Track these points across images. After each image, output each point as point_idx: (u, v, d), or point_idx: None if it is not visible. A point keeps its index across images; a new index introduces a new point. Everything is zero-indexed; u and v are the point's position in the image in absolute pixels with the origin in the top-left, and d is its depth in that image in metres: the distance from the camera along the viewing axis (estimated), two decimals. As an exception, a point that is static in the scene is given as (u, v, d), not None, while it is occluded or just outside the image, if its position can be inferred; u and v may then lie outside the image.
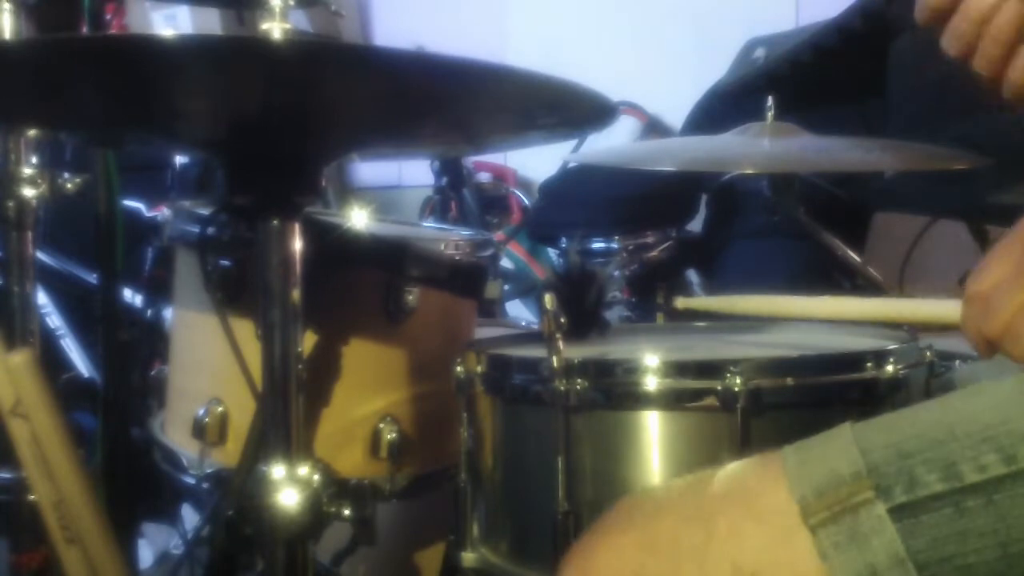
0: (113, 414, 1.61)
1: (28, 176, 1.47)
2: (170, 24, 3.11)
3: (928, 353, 1.10)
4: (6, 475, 1.40)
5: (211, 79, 0.88)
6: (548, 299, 1.05)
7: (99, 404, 1.62)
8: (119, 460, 1.58)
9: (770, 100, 1.50)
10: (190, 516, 1.90)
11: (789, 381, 1.02)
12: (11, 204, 1.46)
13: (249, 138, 0.98)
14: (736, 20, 2.99)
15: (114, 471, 1.57)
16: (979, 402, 0.73)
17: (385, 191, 3.65)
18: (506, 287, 3.08)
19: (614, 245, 2.67)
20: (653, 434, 1.03)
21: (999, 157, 1.42)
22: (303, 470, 1.01)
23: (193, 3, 2.80)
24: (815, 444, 0.75)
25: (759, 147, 1.47)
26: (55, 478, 1.19)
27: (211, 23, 2.81)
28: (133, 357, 1.72)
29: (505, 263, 3.10)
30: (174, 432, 1.34)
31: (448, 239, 1.36)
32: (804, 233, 1.65)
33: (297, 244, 1.00)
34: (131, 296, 2.14)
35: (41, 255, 1.90)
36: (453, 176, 3.23)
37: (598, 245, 2.68)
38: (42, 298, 2.38)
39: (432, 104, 0.95)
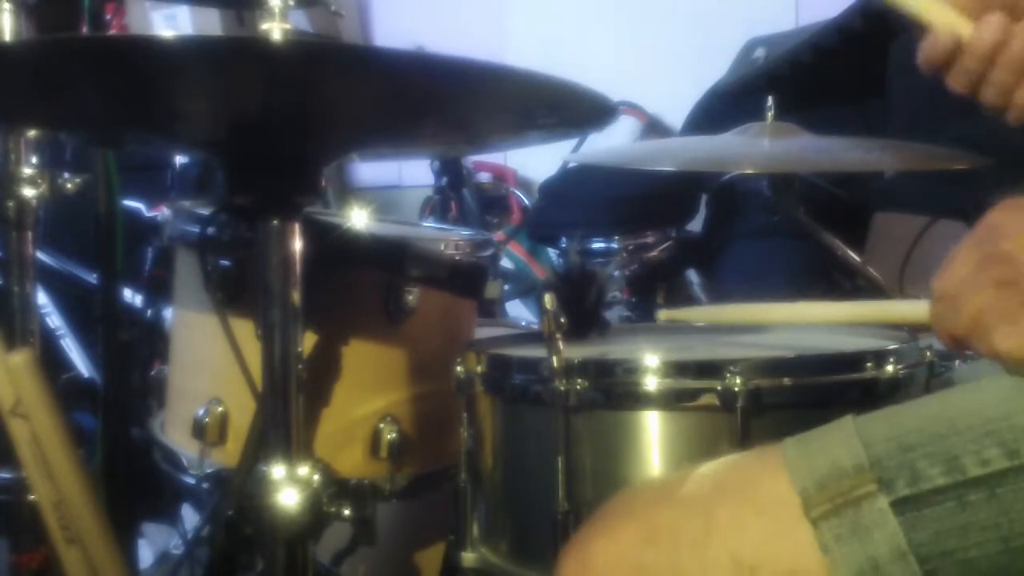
0: (113, 414, 1.61)
1: (28, 176, 1.47)
2: (170, 24, 3.11)
3: (928, 353, 1.10)
4: (6, 475, 1.40)
5: (211, 80, 0.88)
6: (548, 299, 1.05)
7: (99, 404, 1.62)
8: (119, 460, 1.58)
9: (770, 100, 1.50)
10: (190, 516, 1.90)
11: (789, 381, 1.02)
12: (11, 204, 1.46)
13: (249, 138, 0.98)
14: (736, 20, 2.99)
15: (114, 471, 1.57)
16: (981, 397, 0.73)
17: (385, 191, 3.65)
18: (506, 287, 3.07)
19: (614, 245, 2.66)
20: (653, 434, 1.03)
21: (999, 157, 1.42)
22: (303, 470, 1.01)
23: (193, 3, 2.80)
24: (816, 436, 0.75)
25: (759, 147, 1.47)
26: (55, 478, 1.19)
27: (211, 23, 2.81)
28: (133, 357, 1.72)
29: (505, 263, 3.10)
30: (174, 432, 1.34)
31: (448, 239, 1.36)
32: (804, 233, 1.65)
33: (297, 244, 1.00)
34: (131, 296, 2.14)
35: (41, 255, 1.90)
36: (453, 176, 3.22)
37: (598, 245, 2.68)
38: (42, 298, 2.38)
39: (432, 104, 0.95)
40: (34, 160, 1.48)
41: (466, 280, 1.31)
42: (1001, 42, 0.87)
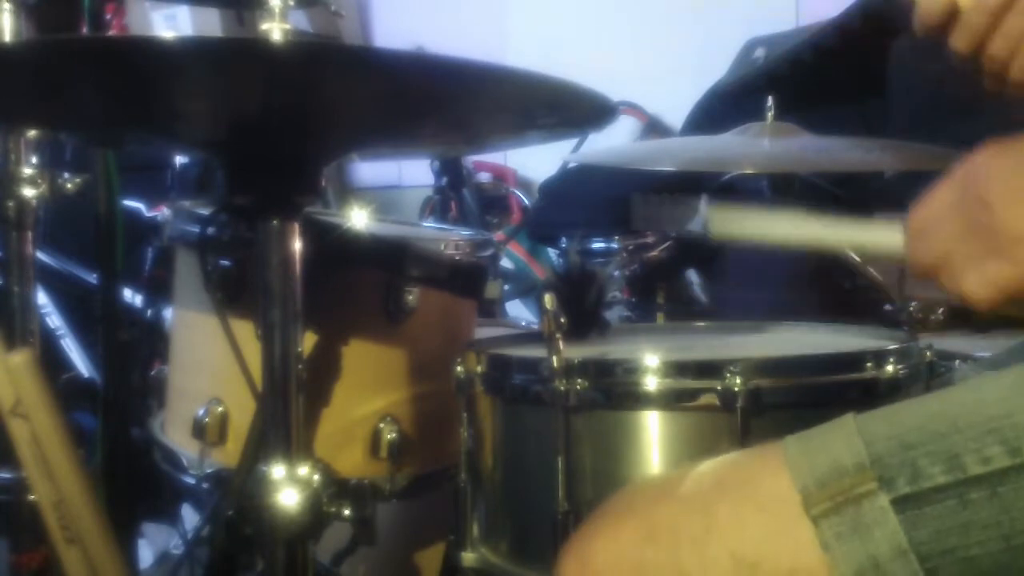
0: (113, 414, 1.61)
1: (28, 176, 1.47)
2: (170, 24, 3.10)
3: (928, 353, 1.10)
4: (6, 475, 1.40)
5: (211, 80, 0.88)
6: (548, 299, 1.05)
7: (99, 404, 1.62)
8: (119, 460, 1.58)
9: (770, 100, 1.50)
10: (190, 516, 1.90)
11: (789, 381, 1.02)
12: (11, 204, 1.46)
13: (249, 138, 0.98)
14: (736, 20, 2.99)
15: (114, 471, 1.58)
16: (983, 395, 0.73)
17: (385, 191, 3.65)
18: (506, 287, 3.07)
19: (614, 245, 2.66)
20: (653, 434, 1.03)
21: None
22: (303, 470, 1.01)
23: (193, 3, 2.80)
24: (817, 434, 0.75)
25: (759, 147, 1.47)
26: (55, 478, 1.19)
27: (211, 23, 2.80)
28: (133, 357, 1.72)
29: (505, 263, 3.10)
30: (174, 432, 1.34)
31: (448, 239, 1.36)
32: (804, 233, 1.65)
33: (297, 244, 1.00)
34: (131, 296, 2.14)
35: (41, 255, 1.90)
36: (453, 176, 3.23)
37: (598, 245, 2.68)
38: (42, 298, 2.38)
39: (432, 104, 0.95)
40: (34, 160, 1.48)
41: (466, 280, 1.31)
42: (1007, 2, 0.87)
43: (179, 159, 2.55)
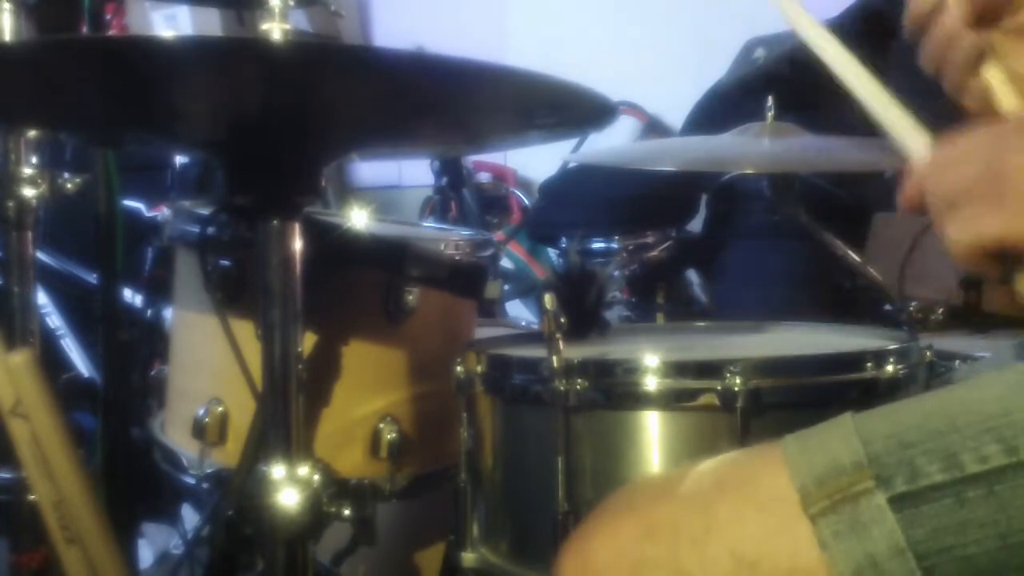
0: (113, 414, 1.61)
1: (28, 176, 1.47)
2: (170, 24, 3.11)
3: (928, 353, 1.10)
4: (6, 475, 1.41)
5: (211, 80, 0.88)
6: (548, 299, 1.05)
7: (99, 404, 1.62)
8: (119, 460, 1.58)
9: (770, 100, 1.50)
10: (190, 516, 1.90)
11: (789, 381, 1.02)
12: (11, 204, 1.46)
13: (249, 138, 0.98)
14: (736, 20, 2.99)
15: (114, 471, 1.58)
16: (981, 393, 0.73)
17: (385, 191, 3.65)
18: (506, 287, 3.07)
19: (614, 245, 2.66)
20: (653, 434, 1.03)
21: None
22: (303, 470, 1.01)
23: (193, 3, 2.80)
24: (816, 433, 0.75)
25: (759, 147, 1.47)
26: (55, 478, 1.19)
27: (211, 23, 2.80)
28: (133, 357, 1.72)
29: (505, 263, 3.10)
30: (174, 432, 1.34)
31: (448, 239, 1.36)
32: (804, 233, 1.65)
33: (297, 244, 1.00)
34: (131, 296, 2.14)
35: (41, 255, 1.90)
36: (453, 176, 3.22)
37: (598, 245, 2.68)
38: (42, 298, 2.38)
39: (432, 104, 0.95)
40: (34, 160, 1.48)
41: (466, 280, 1.31)
42: (950, 36, 0.88)
43: (179, 159, 2.55)
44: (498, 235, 3.04)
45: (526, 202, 3.43)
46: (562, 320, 1.04)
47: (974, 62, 0.88)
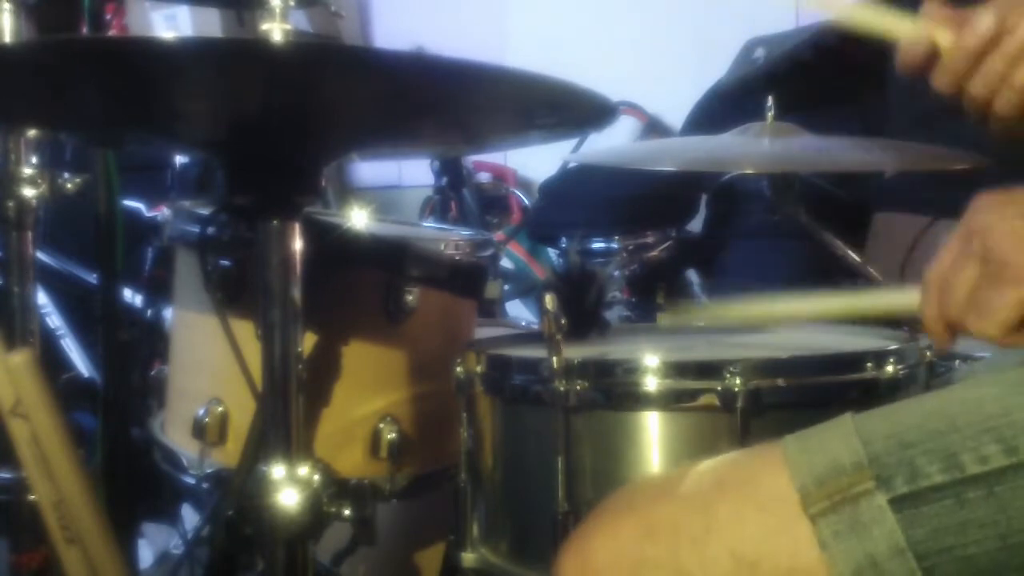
0: (113, 414, 1.61)
1: (28, 176, 1.47)
2: (170, 25, 3.10)
3: (928, 353, 1.10)
4: (6, 475, 1.41)
5: (211, 80, 0.88)
6: (548, 299, 1.05)
7: (99, 404, 1.62)
8: (119, 460, 1.58)
9: (770, 100, 1.50)
10: (190, 516, 1.90)
11: (789, 381, 1.02)
12: (11, 204, 1.46)
13: (249, 139, 0.98)
14: (736, 20, 2.99)
15: (114, 471, 1.58)
16: (981, 394, 0.74)
17: (385, 191, 3.65)
18: (506, 287, 3.07)
19: (614, 245, 2.66)
20: (653, 434, 1.03)
21: (999, 157, 1.42)
22: (303, 470, 1.01)
23: (193, 3, 2.80)
24: (816, 433, 0.75)
25: (759, 147, 1.47)
26: (55, 478, 1.19)
27: (211, 23, 2.80)
28: (133, 357, 1.72)
29: (505, 263, 3.10)
30: (174, 432, 1.34)
31: (448, 239, 1.36)
32: (804, 233, 1.65)
33: (297, 244, 1.01)
34: (131, 296, 2.14)
35: (41, 255, 1.90)
36: (453, 176, 3.22)
37: (598, 245, 2.68)
38: (42, 298, 2.38)
39: (432, 104, 0.95)
40: (34, 160, 1.48)
41: (466, 280, 1.31)
42: (992, 39, 0.88)
43: (179, 159, 2.55)
44: (498, 235, 3.03)
45: (526, 202, 3.43)
46: (562, 320, 1.04)
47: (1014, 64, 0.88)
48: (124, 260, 1.60)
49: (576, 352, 1.06)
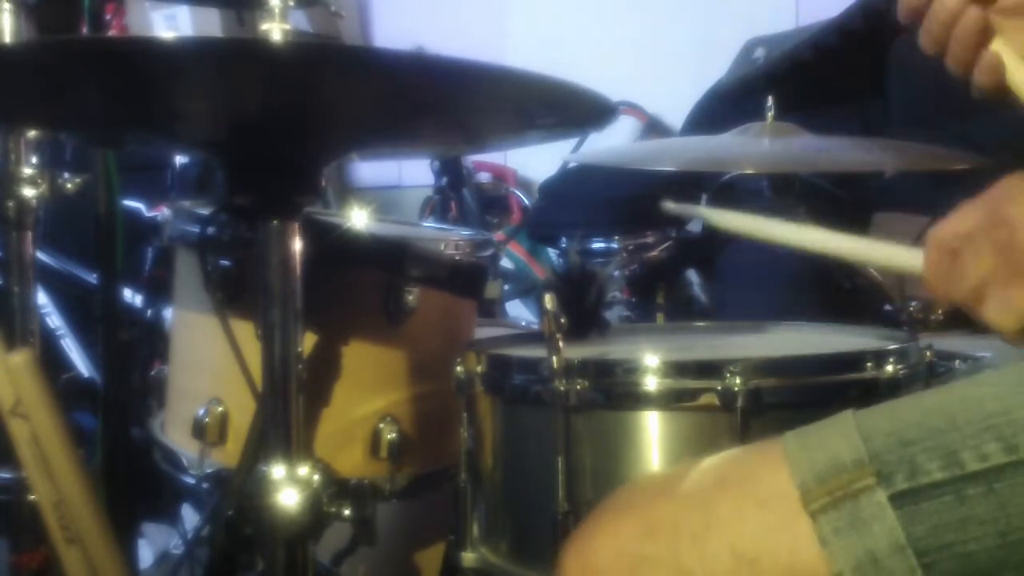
0: (113, 414, 1.61)
1: (28, 176, 1.47)
2: (170, 25, 3.10)
3: (928, 353, 1.10)
4: (6, 475, 1.41)
5: (211, 80, 0.88)
6: (548, 299, 1.05)
7: (99, 404, 1.62)
8: (119, 460, 1.58)
9: (770, 100, 1.50)
10: (190, 516, 1.90)
11: (789, 381, 1.02)
12: (11, 204, 1.46)
13: (249, 139, 0.98)
14: (736, 20, 2.99)
15: (114, 471, 1.58)
16: (981, 391, 0.74)
17: (385, 191, 3.65)
18: (506, 287, 3.07)
19: (614, 245, 2.66)
20: (653, 434, 1.03)
21: (999, 157, 1.42)
22: (303, 470, 1.01)
23: (193, 3, 2.80)
24: (816, 430, 0.75)
25: (759, 147, 1.47)
26: (55, 478, 1.19)
27: (211, 23, 2.80)
28: (133, 357, 1.72)
29: (505, 263, 3.10)
30: (174, 432, 1.34)
31: (448, 239, 1.36)
32: (804, 233, 1.65)
33: (297, 244, 1.01)
34: (131, 296, 2.14)
35: (41, 255, 1.90)
36: (453, 176, 3.22)
37: (598, 245, 2.68)
38: (42, 298, 2.38)
39: (431, 104, 0.95)
40: (34, 160, 1.48)
41: (466, 280, 1.31)
42: (955, 11, 0.88)
43: (179, 159, 2.55)
44: (498, 235, 3.04)
45: (526, 202, 3.43)
46: (562, 320, 1.04)
47: (980, 37, 0.87)
48: (124, 260, 1.60)
49: (576, 352, 1.06)
